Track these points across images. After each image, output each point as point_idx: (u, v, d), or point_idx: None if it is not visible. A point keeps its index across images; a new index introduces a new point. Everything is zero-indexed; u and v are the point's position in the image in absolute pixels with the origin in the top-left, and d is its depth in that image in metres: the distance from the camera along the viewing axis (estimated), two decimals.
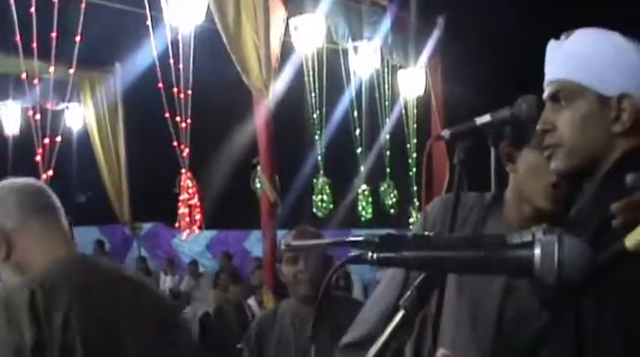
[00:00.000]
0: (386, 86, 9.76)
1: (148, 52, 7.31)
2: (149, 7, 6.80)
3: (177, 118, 7.51)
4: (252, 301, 7.91)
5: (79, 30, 6.77)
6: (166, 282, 10.93)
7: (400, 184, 10.45)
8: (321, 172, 9.14)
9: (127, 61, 9.73)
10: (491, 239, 1.11)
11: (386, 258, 1.13)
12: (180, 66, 7.13)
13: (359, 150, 9.67)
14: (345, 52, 8.78)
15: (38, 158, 7.21)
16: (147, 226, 12.49)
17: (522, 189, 1.81)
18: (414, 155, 10.14)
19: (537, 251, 1.04)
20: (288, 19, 6.79)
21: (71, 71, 7.16)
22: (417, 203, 10.00)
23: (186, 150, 7.62)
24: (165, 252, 12.88)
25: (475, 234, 1.81)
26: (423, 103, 9.88)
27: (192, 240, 10.88)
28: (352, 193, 10.12)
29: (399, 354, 1.20)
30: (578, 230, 1.12)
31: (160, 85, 7.59)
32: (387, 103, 9.83)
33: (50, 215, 1.84)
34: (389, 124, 10.00)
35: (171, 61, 7.14)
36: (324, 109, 8.97)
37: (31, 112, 7.79)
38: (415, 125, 10.10)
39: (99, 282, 1.81)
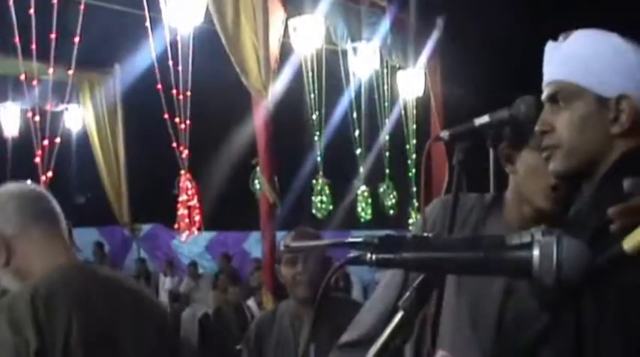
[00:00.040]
0: (385, 87, 9.76)
1: (147, 53, 7.32)
2: (148, 8, 6.81)
3: (177, 120, 7.51)
4: (251, 302, 7.91)
5: (78, 31, 6.77)
6: (166, 283, 10.92)
7: (399, 185, 10.46)
8: (321, 173, 9.14)
9: (126, 62, 9.73)
10: (491, 240, 1.11)
11: (385, 259, 1.13)
12: (180, 67, 7.14)
13: (358, 151, 9.68)
14: (345, 53, 8.78)
15: (37, 160, 7.22)
16: (146, 228, 12.48)
17: (522, 190, 1.81)
18: (414, 156, 10.15)
19: (536, 252, 1.04)
20: (287, 20, 6.79)
21: (70, 72, 7.17)
22: (416, 204, 10.01)
23: (186, 151, 7.62)
24: (164, 253, 12.86)
25: (474, 235, 1.81)
26: (423, 104, 9.89)
27: (191, 241, 10.88)
28: (351, 194, 10.12)
29: (398, 355, 1.20)
30: (576, 231, 1.12)
31: (159, 86, 7.59)
32: (386, 104, 9.84)
33: (50, 222, 1.84)
34: (388, 125, 10.01)
35: (171, 62, 7.15)
36: (323, 110, 8.97)
37: (30, 114, 7.79)
38: (414, 126, 10.11)
39: (98, 289, 1.81)
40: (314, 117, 8.91)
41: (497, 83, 9.51)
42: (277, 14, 6.36)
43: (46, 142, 7.39)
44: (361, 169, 9.80)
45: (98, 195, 11.71)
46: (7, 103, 10.03)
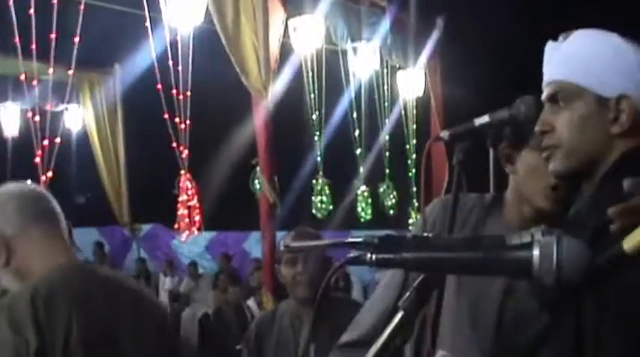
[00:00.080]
0: (385, 87, 9.76)
1: (147, 53, 7.32)
2: (148, 8, 6.81)
3: (177, 120, 7.51)
4: (251, 302, 7.91)
5: (78, 31, 6.78)
6: (166, 283, 10.92)
7: (399, 185, 10.46)
8: (321, 173, 9.14)
9: (126, 62, 9.73)
10: (490, 240, 1.11)
11: (385, 259, 1.13)
12: (180, 67, 7.14)
13: (358, 151, 9.68)
14: (345, 53, 8.78)
15: (37, 160, 7.22)
16: (146, 228, 12.48)
17: (522, 190, 1.81)
18: (414, 156, 10.15)
19: (536, 252, 1.04)
20: (287, 20, 6.79)
21: (70, 72, 7.17)
22: (416, 204, 10.01)
23: (186, 151, 7.62)
24: (164, 253, 12.87)
25: (474, 235, 1.81)
26: (423, 104, 9.89)
27: (191, 241, 10.88)
28: (351, 194, 10.11)
29: (398, 355, 1.20)
30: (576, 231, 1.12)
31: (159, 86, 7.59)
32: (386, 104, 9.84)
33: (50, 222, 1.84)
34: (388, 125, 10.00)
35: (171, 62, 7.15)
36: (323, 110, 8.97)
37: (30, 114, 7.80)
38: (414, 126, 10.11)
39: (98, 289, 1.81)
40: (314, 117, 8.91)
41: (497, 83, 9.51)
42: (277, 14, 6.36)
43: (46, 142, 7.39)
44: (361, 169, 9.80)
45: (98, 195, 11.72)
46: (7, 103, 10.03)
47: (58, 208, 1.87)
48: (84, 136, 10.91)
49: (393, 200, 10.38)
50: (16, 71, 7.36)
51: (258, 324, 2.87)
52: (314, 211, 9.15)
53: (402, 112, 10.03)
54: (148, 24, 6.96)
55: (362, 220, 10.03)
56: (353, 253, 1.17)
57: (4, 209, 1.80)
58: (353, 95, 9.33)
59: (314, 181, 9.19)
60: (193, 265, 11.08)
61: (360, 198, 9.91)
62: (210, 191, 11.12)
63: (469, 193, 1.91)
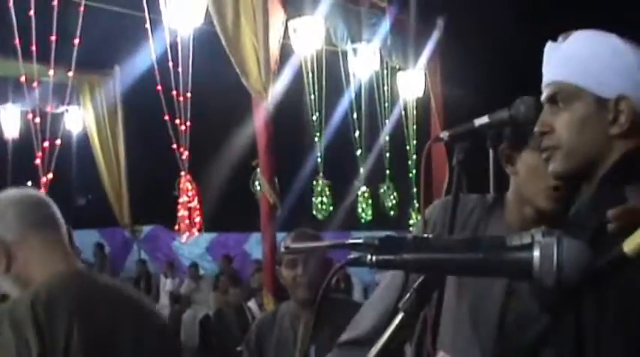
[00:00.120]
0: (385, 88, 9.76)
1: (147, 54, 7.32)
2: (148, 10, 6.81)
3: (177, 121, 7.51)
4: (252, 304, 7.91)
5: (78, 33, 6.78)
6: (166, 285, 10.93)
7: (400, 185, 10.46)
8: (321, 174, 9.14)
9: (126, 63, 9.74)
10: (490, 241, 1.11)
11: (385, 260, 1.13)
12: (180, 69, 7.14)
13: (358, 152, 9.68)
14: (345, 54, 8.78)
15: (38, 161, 7.23)
16: (147, 229, 12.49)
17: (523, 191, 1.81)
18: (414, 157, 10.15)
19: (536, 253, 1.04)
20: (287, 21, 6.78)
21: (70, 74, 7.18)
22: (416, 205, 10.00)
23: (186, 152, 7.62)
24: (165, 255, 12.87)
25: (474, 236, 1.81)
26: (423, 105, 9.89)
27: (192, 242, 10.88)
28: (352, 195, 10.12)
29: (398, 356, 1.21)
30: (576, 232, 1.12)
31: (159, 87, 7.59)
32: (386, 104, 9.84)
33: (50, 228, 1.84)
34: (388, 125, 10.01)
35: (171, 63, 7.15)
36: (323, 111, 8.97)
37: (30, 115, 7.81)
38: (415, 127, 10.11)
39: (98, 295, 1.82)
40: (314, 118, 8.91)
41: (498, 84, 9.52)
42: (277, 15, 6.36)
43: (46, 144, 7.40)
44: (361, 170, 9.80)
45: (99, 196, 11.73)
46: (7, 105, 10.04)
47: (58, 214, 1.87)
48: (84, 138, 10.92)
49: (394, 201, 10.38)
50: (16, 73, 7.37)
51: (258, 325, 2.87)
52: (314, 212, 9.15)
53: (402, 112, 10.03)
54: (147, 25, 6.97)
55: (362, 221, 10.03)
56: (353, 255, 1.17)
57: (5, 216, 1.80)
58: (353, 96, 9.33)
59: (314, 182, 9.19)
60: (194, 266, 11.09)
61: (360, 199, 9.91)
62: (210, 192, 11.13)
63: (470, 194, 1.91)
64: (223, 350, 7.56)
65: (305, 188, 9.90)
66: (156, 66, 7.32)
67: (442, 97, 9.61)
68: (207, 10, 6.15)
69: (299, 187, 10.23)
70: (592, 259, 1.03)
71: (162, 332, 1.94)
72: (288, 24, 7.12)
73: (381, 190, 10.36)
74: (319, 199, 9.12)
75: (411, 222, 9.95)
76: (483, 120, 1.69)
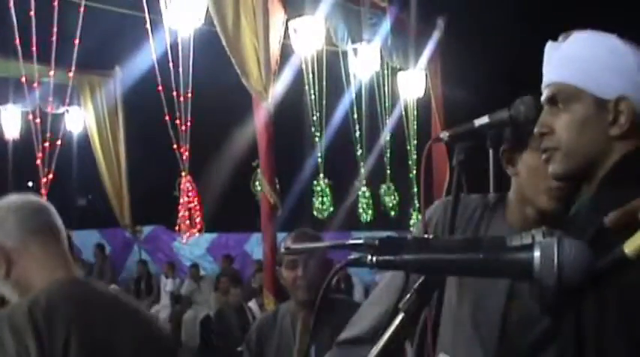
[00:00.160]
0: (386, 88, 9.77)
1: (148, 55, 7.32)
2: (148, 10, 6.81)
3: (177, 121, 7.52)
4: (252, 304, 7.91)
5: (79, 34, 6.79)
6: (167, 285, 10.92)
7: (400, 185, 10.46)
8: (321, 174, 9.14)
9: (127, 64, 9.74)
10: (491, 242, 1.11)
11: (385, 261, 1.13)
12: (180, 69, 7.14)
13: (359, 152, 9.68)
14: (345, 54, 8.78)
15: (38, 162, 7.24)
16: (147, 230, 12.49)
17: (524, 191, 1.81)
18: (414, 157, 10.15)
19: (537, 254, 1.04)
20: (287, 21, 6.78)
21: (71, 75, 7.19)
22: (417, 205, 10.00)
23: (186, 153, 7.62)
24: (165, 255, 12.87)
25: (475, 236, 1.80)
26: (423, 105, 9.90)
27: (192, 243, 10.89)
28: (352, 195, 10.11)
29: (399, 355, 1.20)
30: (576, 233, 1.12)
31: (160, 88, 7.59)
32: (387, 105, 9.84)
33: (50, 235, 1.84)
34: (389, 126, 10.01)
35: (171, 64, 7.15)
36: (324, 112, 8.97)
37: (31, 116, 7.82)
38: (415, 127, 10.11)
39: (96, 304, 1.82)
40: (315, 118, 8.91)
41: (498, 84, 9.51)
42: (278, 16, 6.36)
43: (47, 144, 7.41)
44: (362, 170, 9.80)
45: (99, 197, 11.74)
46: (8, 106, 10.05)
47: (58, 221, 1.87)
48: (85, 138, 10.93)
49: (394, 201, 10.38)
50: (16, 73, 7.37)
51: (259, 325, 2.87)
52: (315, 212, 9.15)
53: (403, 113, 10.04)
54: (148, 26, 6.97)
55: (363, 221, 10.03)
56: (353, 255, 1.17)
57: (5, 222, 1.80)
58: (353, 96, 9.33)
59: (315, 183, 9.19)
60: (195, 266, 11.09)
61: (360, 199, 9.91)
62: (211, 193, 11.12)
63: (472, 194, 1.91)
64: (224, 350, 7.56)
65: (305, 188, 9.90)
66: (156, 66, 7.33)
67: (443, 97, 9.61)
68: (207, 10, 6.16)
69: (299, 188, 10.23)
70: (592, 259, 1.03)
71: (160, 340, 1.95)
72: (289, 24, 7.12)
73: (382, 191, 10.36)
74: (319, 199, 9.12)
75: (412, 222, 9.94)
76: (483, 120, 1.69)
